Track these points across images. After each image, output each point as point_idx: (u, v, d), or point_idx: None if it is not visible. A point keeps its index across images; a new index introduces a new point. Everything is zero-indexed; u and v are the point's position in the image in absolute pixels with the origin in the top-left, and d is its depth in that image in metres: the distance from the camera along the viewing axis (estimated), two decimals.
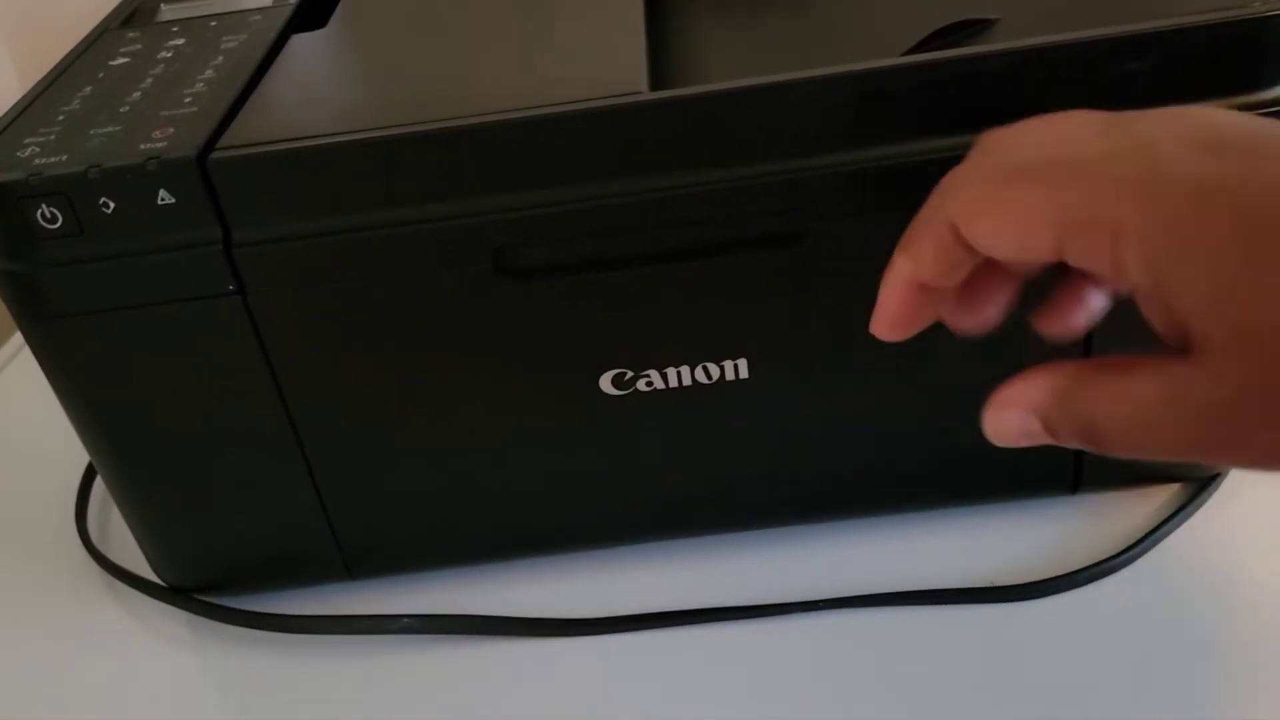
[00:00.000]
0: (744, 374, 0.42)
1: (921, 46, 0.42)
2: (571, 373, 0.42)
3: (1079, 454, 0.45)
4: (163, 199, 0.38)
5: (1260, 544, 0.45)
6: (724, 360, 0.42)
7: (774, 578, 0.46)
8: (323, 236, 0.39)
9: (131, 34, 0.48)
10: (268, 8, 0.49)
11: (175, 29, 0.48)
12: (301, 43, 0.46)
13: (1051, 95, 0.37)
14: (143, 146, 0.38)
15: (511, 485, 0.45)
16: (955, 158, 0.37)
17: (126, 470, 0.44)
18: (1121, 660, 0.41)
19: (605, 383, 0.42)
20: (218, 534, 0.46)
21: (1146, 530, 0.45)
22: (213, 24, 0.48)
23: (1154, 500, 0.47)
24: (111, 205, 0.38)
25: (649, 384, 0.42)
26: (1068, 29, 0.39)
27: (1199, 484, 0.47)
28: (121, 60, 0.46)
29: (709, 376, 0.42)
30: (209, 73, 0.44)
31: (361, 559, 0.47)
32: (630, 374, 0.42)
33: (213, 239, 0.39)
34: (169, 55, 0.46)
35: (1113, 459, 0.44)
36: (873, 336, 0.41)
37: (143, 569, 0.49)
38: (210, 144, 0.38)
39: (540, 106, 0.37)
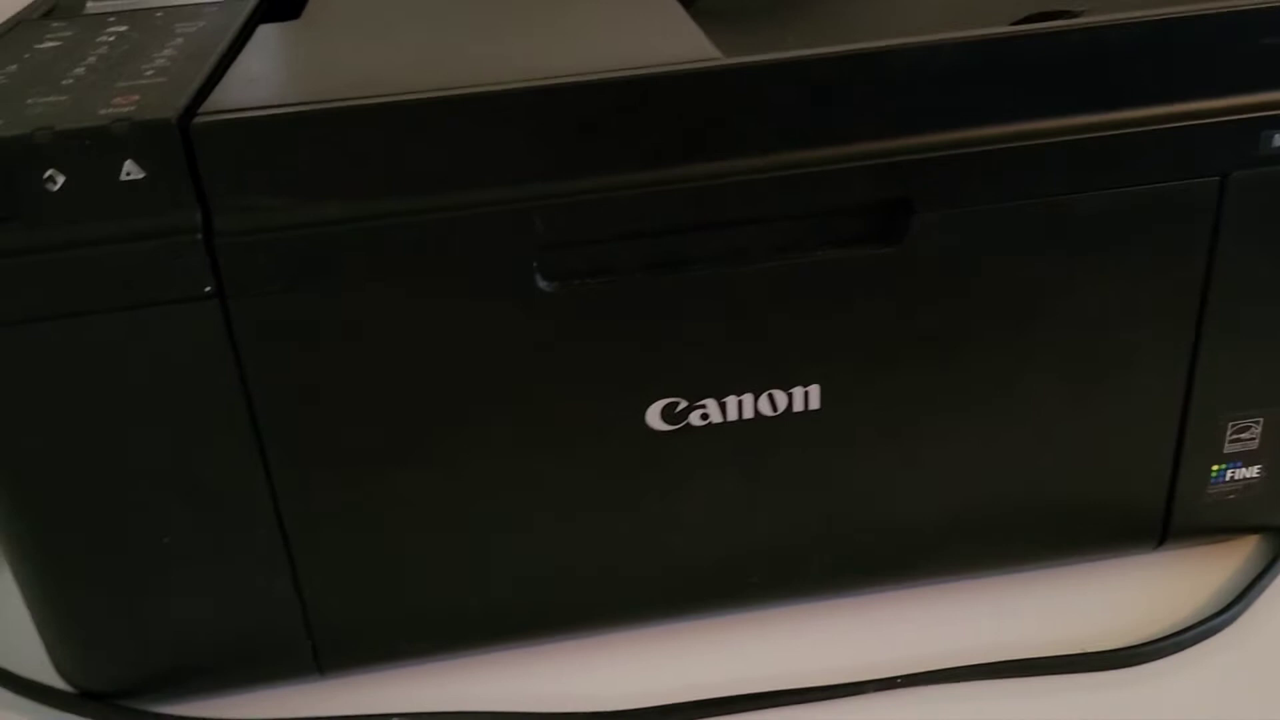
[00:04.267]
0: (814, 404, 0.36)
1: None
2: (615, 402, 0.35)
3: (1170, 502, 0.40)
4: (128, 173, 0.30)
5: None
6: (793, 387, 0.36)
7: (841, 652, 0.39)
8: (328, 225, 0.31)
9: (56, 24, 0.41)
10: (221, 1, 0.42)
11: (113, 19, 0.41)
12: (273, 30, 0.39)
13: (1183, 72, 0.33)
14: (102, 112, 0.31)
15: (533, 547, 0.37)
16: (1081, 140, 0.33)
17: (39, 532, 0.35)
18: None
19: (653, 416, 0.35)
20: (155, 620, 0.36)
21: (1244, 584, 0.40)
22: (159, 14, 0.41)
23: (1239, 552, 0.42)
24: (60, 180, 0.30)
25: (704, 416, 0.36)
26: None
27: None
28: (50, 44, 0.38)
29: (774, 408, 0.36)
30: (169, 51, 0.36)
31: (337, 648, 0.38)
32: (684, 404, 0.35)
33: (189, 226, 0.31)
34: (112, 39, 0.38)
35: (1205, 508, 0.40)
36: (970, 361, 0.36)
37: (39, 671, 0.39)
38: (191, 109, 0.31)
39: (598, 73, 0.32)
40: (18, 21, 0.42)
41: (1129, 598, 0.41)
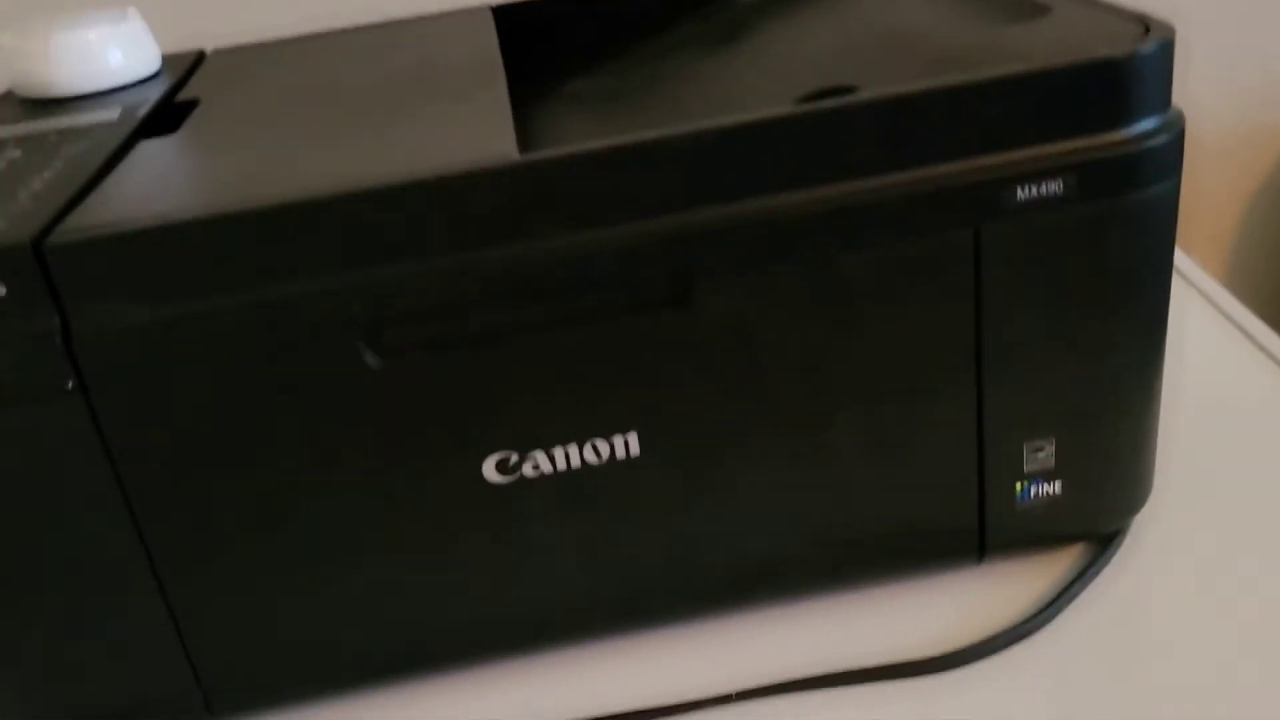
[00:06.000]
0: (635, 450, 0.40)
1: None
2: (453, 460, 0.39)
3: (982, 520, 0.44)
4: None
5: (1169, 596, 0.44)
6: (614, 435, 0.40)
7: (677, 674, 0.43)
8: (175, 323, 0.36)
9: None
10: (113, 122, 0.47)
11: (10, 144, 0.46)
12: (150, 146, 0.44)
13: (925, 140, 0.37)
14: None
15: (393, 595, 0.41)
16: (834, 209, 0.37)
17: None
18: None
19: (489, 469, 0.40)
20: (46, 680, 0.41)
21: (1056, 592, 0.44)
22: (52, 138, 0.46)
23: (1061, 562, 0.46)
24: None
25: (535, 468, 0.40)
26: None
27: (1103, 542, 0.46)
28: None
29: (599, 455, 0.40)
30: (48, 174, 0.41)
31: (226, 696, 0.42)
32: (515, 457, 0.40)
33: (49, 331, 0.35)
34: (2, 167, 0.43)
35: (1016, 523, 0.44)
36: (771, 407, 0.40)
37: None
38: (46, 231, 0.35)
39: (405, 175, 0.36)
40: None
41: (954, 610, 0.44)
